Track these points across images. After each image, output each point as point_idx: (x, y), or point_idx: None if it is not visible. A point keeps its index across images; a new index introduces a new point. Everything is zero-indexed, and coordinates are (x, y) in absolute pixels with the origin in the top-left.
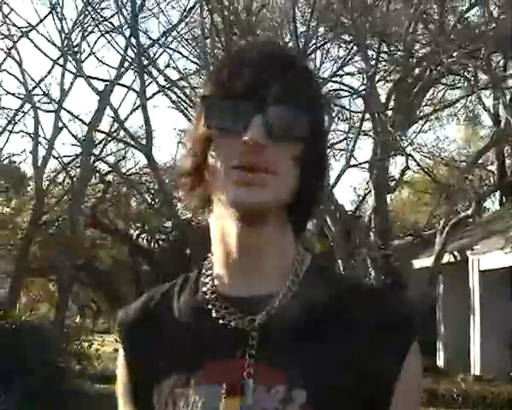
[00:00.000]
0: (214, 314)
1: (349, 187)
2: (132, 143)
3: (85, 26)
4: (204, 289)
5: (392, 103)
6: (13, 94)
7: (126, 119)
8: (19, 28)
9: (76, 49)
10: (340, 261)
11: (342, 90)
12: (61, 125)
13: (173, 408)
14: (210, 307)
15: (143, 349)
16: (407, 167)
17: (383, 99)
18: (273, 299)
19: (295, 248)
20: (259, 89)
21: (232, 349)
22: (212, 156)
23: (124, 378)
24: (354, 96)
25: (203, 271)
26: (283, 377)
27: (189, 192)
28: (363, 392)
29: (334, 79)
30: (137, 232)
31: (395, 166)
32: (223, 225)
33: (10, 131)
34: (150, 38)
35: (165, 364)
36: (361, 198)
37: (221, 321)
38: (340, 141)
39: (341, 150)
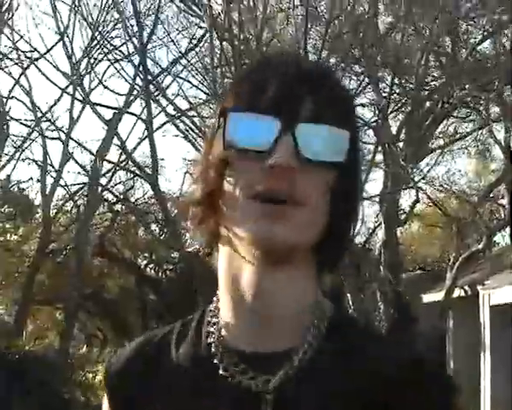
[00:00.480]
0: (222, 372)
1: (359, 219)
2: (138, 172)
3: (94, 54)
4: (209, 340)
5: (403, 136)
6: (19, 121)
7: (135, 148)
8: (26, 56)
9: (84, 77)
10: (349, 295)
11: None
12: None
13: None
14: (216, 362)
15: (134, 404)
16: (417, 200)
17: (394, 131)
18: (291, 356)
19: (317, 294)
20: (289, 104)
21: None
22: (229, 182)
23: None
24: (365, 127)
25: (207, 318)
26: None
27: (199, 225)
28: None
29: None
30: (145, 262)
31: (408, 197)
32: (234, 265)
33: (17, 159)
34: (160, 67)
35: None
36: (371, 231)
37: (230, 380)
38: None
39: None
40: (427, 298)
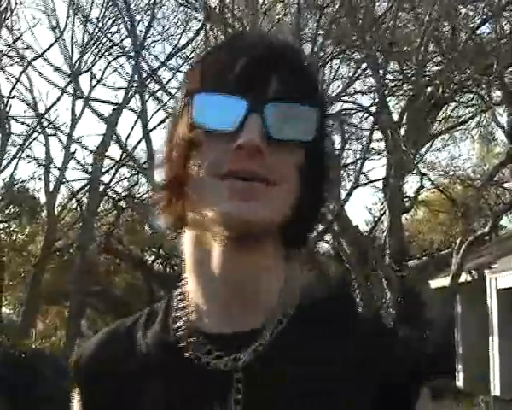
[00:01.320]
0: (189, 354)
1: (364, 208)
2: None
3: (93, 52)
4: (177, 324)
5: (404, 121)
6: (22, 123)
7: (137, 145)
8: (22, 57)
9: (83, 74)
10: (356, 283)
11: (352, 109)
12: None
13: None
14: (183, 345)
15: (104, 398)
16: (422, 187)
17: (396, 117)
18: (261, 335)
19: (286, 274)
20: (256, 83)
21: (212, 395)
22: (196, 164)
23: None
24: (365, 114)
25: (174, 303)
26: None
27: (165, 209)
28: None
29: (343, 97)
30: (153, 257)
31: (413, 183)
32: (201, 248)
33: (19, 158)
34: (158, 60)
35: None
36: (376, 219)
37: (197, 362)
38: (353, 162)
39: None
40: (435, 284)
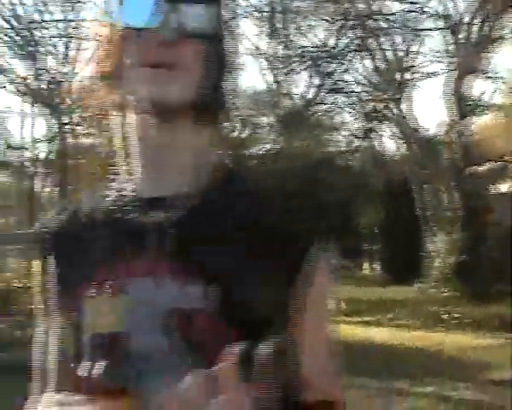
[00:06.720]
0: (129, 216)
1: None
2: None
3: None
4: (125, 192)
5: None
6: None
7: None
8: None
9: None
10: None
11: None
12: None
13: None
14: (128, 208)
15: (68, 260)
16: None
17: None
18: (188, 197)
19: (206, 145)
20: None
21: (142, 249)
22: (127, 56)
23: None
24: None
25: (127, 177)
26: (193, 275)
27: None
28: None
29: None
30: None
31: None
32: (139, 124)
33: None
34: None
35: (83, 273)
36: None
37: (133, 221)
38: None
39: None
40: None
